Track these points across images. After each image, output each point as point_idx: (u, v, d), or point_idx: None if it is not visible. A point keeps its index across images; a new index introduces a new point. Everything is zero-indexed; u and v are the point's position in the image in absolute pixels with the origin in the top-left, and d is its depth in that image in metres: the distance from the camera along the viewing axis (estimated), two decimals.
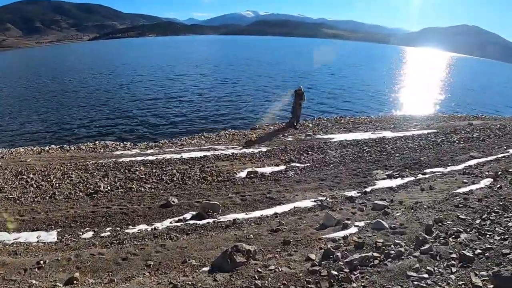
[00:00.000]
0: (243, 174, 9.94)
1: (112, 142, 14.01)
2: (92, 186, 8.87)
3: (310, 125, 17.42)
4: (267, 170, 10.25)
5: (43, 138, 16.29)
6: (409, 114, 21.87)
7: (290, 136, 15.10)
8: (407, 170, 10.03)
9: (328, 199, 7.80)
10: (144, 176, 9.61)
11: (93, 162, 10.78)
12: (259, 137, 15.16)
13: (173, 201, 7.91)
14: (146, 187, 9.04)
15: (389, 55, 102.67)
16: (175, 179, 9.57)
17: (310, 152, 11.90)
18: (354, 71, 47.91)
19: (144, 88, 30.21)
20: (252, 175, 9.75)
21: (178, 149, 12.91)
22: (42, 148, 13.52)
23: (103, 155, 11.93)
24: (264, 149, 12.70)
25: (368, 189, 8.32)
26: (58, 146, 13.74)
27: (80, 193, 8.50)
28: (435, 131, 16.00)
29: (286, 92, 24.92)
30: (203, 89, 29.70)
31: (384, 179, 9.22)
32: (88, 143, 13.99)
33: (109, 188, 8.89)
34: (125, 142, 14.03)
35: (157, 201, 8.24)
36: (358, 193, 8.13)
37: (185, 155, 11.58)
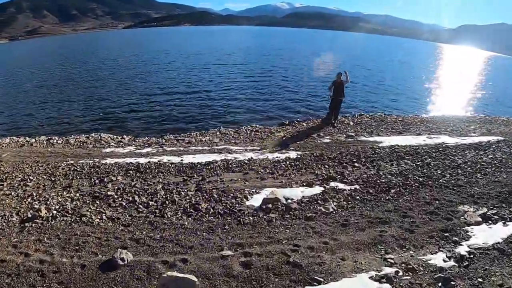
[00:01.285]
0: (257, 201, 6.50)
1: (107, 136, 11.24)
2: (36, 207, 5.96)
3: (351, 123, 13.82)
4: (295, 194, 6.76)
5: (44, 127, 14.05)
6: (463, 115, 17.63)
7: (327, 137, 11.66)
8: (504, 205, 6.41)
9: (400, 273, 4.31)
10: (113, 194, 6.57)
11: (71, 162, 8.05)
12: (288, 136, 11.85)
13: (122, 259, 4.49)
14: (104, 217, 5.85)
15: (426, 51, 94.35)
16: (153, 203, 6.37)
17: (356, 164, 8.47)
18: (392, 67, 42.72)
19: (168, 78, 27.26)
20: (270, 206, 6.15)
21: (182, 148, 9.92)
22: (27, 140, 10.92)
23: (88, 152, 9.18)
24: (293, 154, 9.40)
25: (462, 250, 4.81)
26: (46, 138, 11.11)
27: (15, 218, 5.59)
28: (501, 138, 12.24)
29: (323, 84, 21.30)
30: (232, 79, 26.22)
31: (478, 223, 5.66)
32: (82, 135, 11.24)
33: (53, 213, 5.84)
34: (124, 136, 11.19)
35: (104, 251, 4.94)
36: (448, 258, 4.65)
37: (187, 159, 8.58)
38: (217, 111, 16.78)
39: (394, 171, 7.92)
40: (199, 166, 8.20)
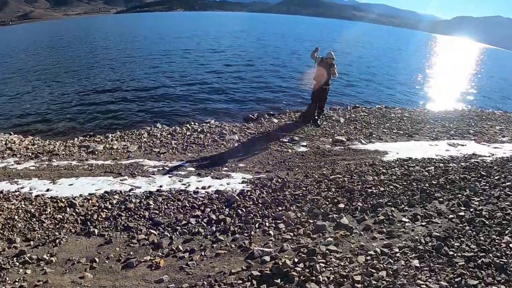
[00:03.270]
0: None
1: None
2: None
3: (342, 119, 9.77)
4: None
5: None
6: (480, 111, 13.50)
7: (304, 143, 7.63)
8: None
9: None
10: None
11: None
12: (246, 140, 7.84)
13: None
14: None
15: (422, 41, 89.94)
16: None
17: (344, 221, 4.26)
18: (388, 55, 37.82)
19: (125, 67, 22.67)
20: None
21: (75, 163, 6.09)
22: None
23: None
24: (235, 182, 5.50)
25: None
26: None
27: None
28: None
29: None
30: (205, 66, 20.68)
31: None
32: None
33: None
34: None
35: None
36: None
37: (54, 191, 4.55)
38: (170, 103, 12.60)
39: (420, 239, 3.81)
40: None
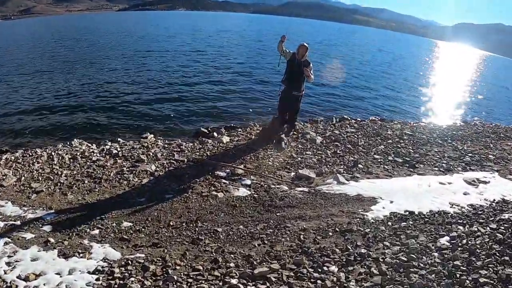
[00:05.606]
0: None
1: None
2: None
3: (319, 138, 7.08)
4: None
5: None
6: (493, 125, 10.79)
7: (250, 179, 4.96)
8: None
9: None
10: None
11: None
12: (164, 172, 5.21)
13: None
14: None
15: (424, 47, 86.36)
16: None
17: None
18: (388, 60, 34.15)
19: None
20: None
21: None
22: None
23: None
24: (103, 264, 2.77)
25: None
26: None
27: None
28: None
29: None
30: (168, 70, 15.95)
31: None
32: None
33: None
34: None
35: None
36: None
37: None
38: (107, 113, 9.77)
39: None
40: None
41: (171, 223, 3.87)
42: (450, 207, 4.69)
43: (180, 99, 11.00)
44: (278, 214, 3.97)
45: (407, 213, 4.32)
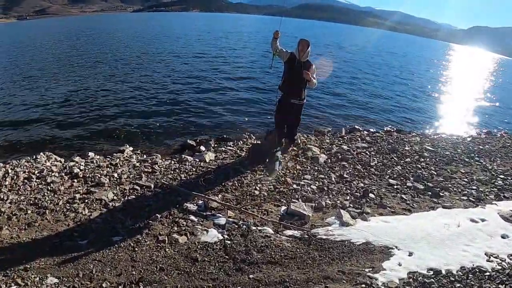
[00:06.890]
0: None
1: None
2: None
3: (323, 156, 5.87)
4: None
5: None
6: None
7: (226, 216, 3.83)
8: None
9: None
10: None
11: None
12: (126, 203, 4.13)
13: None
14: None
15: (439, 51, 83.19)
16: None
17: None
18: (403, 64, 32.65)
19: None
20: None
21: None
22: None
23: None
24: None
25: None
26: None
27: None
28: None
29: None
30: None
31: None
32: None
33: None
34: None
35: None
36: None
37: None
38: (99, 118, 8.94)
39: None
40: None
41: (103, 285, 2.79)
42: (487, 260, 3.50)
43: (171, 105, 9.98)
44: (251, 276, 2.84)
45: (431, 272, 3.16)
